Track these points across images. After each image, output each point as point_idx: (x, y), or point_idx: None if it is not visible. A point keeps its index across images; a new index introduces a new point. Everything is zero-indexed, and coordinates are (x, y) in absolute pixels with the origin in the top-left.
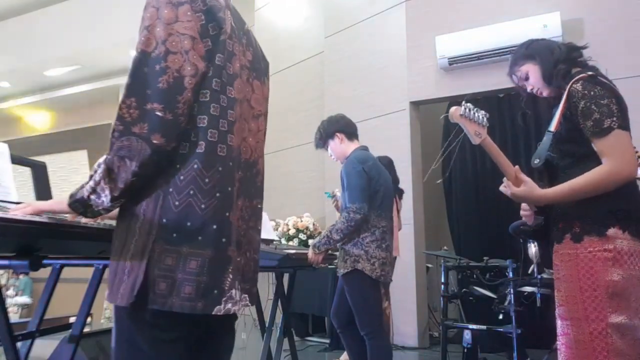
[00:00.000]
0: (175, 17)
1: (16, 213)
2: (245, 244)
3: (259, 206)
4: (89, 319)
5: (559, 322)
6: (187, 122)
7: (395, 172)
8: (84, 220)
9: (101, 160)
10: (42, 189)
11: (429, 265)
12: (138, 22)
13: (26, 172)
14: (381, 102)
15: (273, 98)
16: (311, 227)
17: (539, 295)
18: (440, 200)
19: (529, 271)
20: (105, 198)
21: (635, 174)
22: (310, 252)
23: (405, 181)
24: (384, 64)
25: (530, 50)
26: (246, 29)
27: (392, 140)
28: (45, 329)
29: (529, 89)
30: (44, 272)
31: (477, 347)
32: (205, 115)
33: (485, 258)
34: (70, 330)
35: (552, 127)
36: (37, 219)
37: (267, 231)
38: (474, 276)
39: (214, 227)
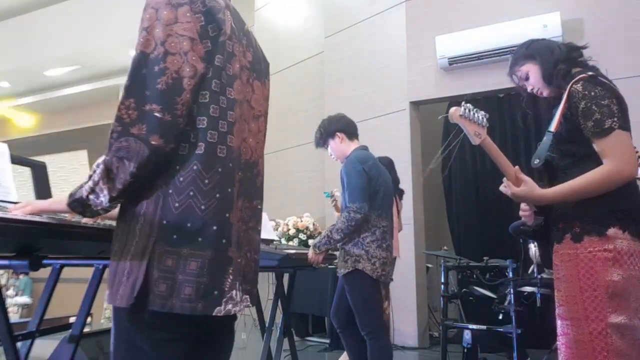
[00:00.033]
0: (174, 18)
1: (16, 212)
2: (246, 245)
3: (259, 207)
4: (89, 319)
5: (559, 322)
6: (186, 123)
7: (395, 173)
8: (84, 220)
9: (100, 160)
10: (42, 189)
11: (429, 265)
12: (138, 23)
13: (26, 172)
14: (381, 102)
15: (273, 98)
16: (311, 227)
17: (539, 295)
18: (440, 200)
19: (529, 271)
20: (103, 198)
21: (636, 174)
22: (310, 252)
23: (405, 181)
24: (384, 64)
25: (531, 50)
26: (246, 30)
27: (392, 140)
28: (45, 329)
29: (529, 89)
30: (44, 272)
31: (477, 347)
32: (204, 116)
33: (485, 258)
34: (70, 330)
35: (552, 127)
36: (37, 219)
37: (267, 231)
38: (474, 276)
39: (214, 228)
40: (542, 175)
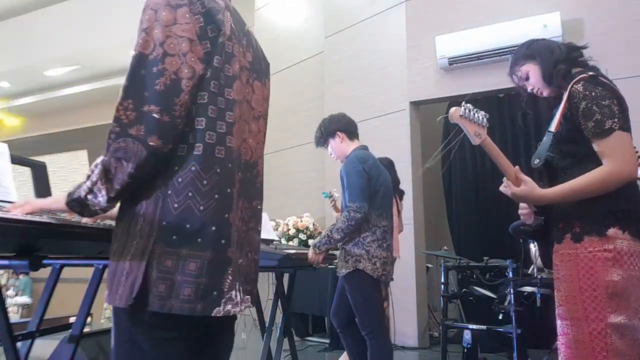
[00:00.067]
0: (173, 19)
1: (15, 212)
2: (247, 245)
3: (259, 207)
4: (89, 319)
5: (558, 322)
6: (185, 124)
7: (395, 174)
8: (84, 220)
9: (98, 160)
10: (42, 189)
11: (429, 265)
12: (138, 23)
13: (26, 172)
14: (381, 102)
15: (273, 98)
16: (311, 227)
17: (539, 295)
18: (440, 200)
19: (529, 271)
20: (101, 198)
21: (636, 174)
22: (310, 252)
23: (405, 181)
24: (384, 64)
25: (531, 50)
26: (246, 30)
27: (392, 140)
28: (45, 329)
29: (529, 89)
30: (44, 272)
31: (477, 347)
32: (203, 117)
33: (485, 258)
34: (70, 330)
35: (553, 127)
36: (37, 219)
37: (267, 231)
38: (474, 276)
39: (213, 228)
40: (542, 175)
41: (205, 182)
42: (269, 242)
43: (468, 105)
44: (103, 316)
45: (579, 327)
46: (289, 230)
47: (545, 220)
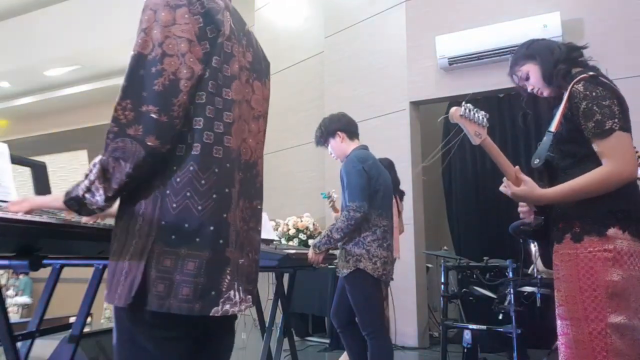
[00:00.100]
0: (172, 19)
1: (14, 208)
2: (247, 245)
3: (259, 207)
4: (89, 319)
5: (558, 322)
6: (183, 124)
7: (395, 174)
8: (84, 220)
9: (96, 160)
10: (42, 189)
11: (429, 265)
12: (137, 23)
13: (26, 172)
14: (381, 102)
15: (273, 98)
16: (311, 227)
17: (539, 295)
18: (440, 200)
19: (529, 271)
20: (99, 197)
21: (636, 175)
22: (310, 252)
23: (405, 181)
24: (384, 64)
25: (531, 50)
26: (247, 30)
27: (392, 140)
28: (45, 329)
29: (529, 89)
30: (44, 272)
31: (477, 347)
32: (201, 117)
33: (485, 258)
34: (70, 330)
35: (553, 127)
36: (37, 219)
37: (267, 231)
38: (474, 276)
39: (211, 228)
40: (542, 175)
41: (203, 182)
42: (269, 242)
43: (468, 105)
44: (103, 316)
45: (579, 327)
46: (289, 230)
47: (545, 220)
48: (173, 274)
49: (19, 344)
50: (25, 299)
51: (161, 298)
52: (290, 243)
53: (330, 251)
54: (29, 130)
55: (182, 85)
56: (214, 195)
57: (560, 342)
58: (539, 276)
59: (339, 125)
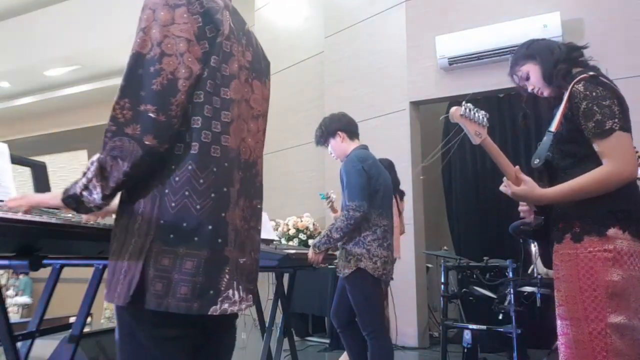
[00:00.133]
0: (171, 19)
1: (12, 204)
2: (249, 245)
3: (259, 206)
4: (89, 319)
5: (558, 322)
6: (181, 123)
7: (395, 174)
8: (84, 219)
9: (94, 158)
10: (42, 189)
11: (429, 265)
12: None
13: (26, 172)
14: (381, 102)
15: (273, 98)
16: (311, 227)
17: (539, 295)
18: (440, 200)
19: (529, 271)
20: (96, 196)
21: (636, 175)
22: (310, 252)
23: (405, 181)
24: (384, 64)
25: (531, 50)
26: (246, 29)
27: (392, 140)
28: (45, 329)
29: (529, 89)
30: (44, 272)
31: (477, 347)
32: (199, 116)
33: (485, 258)
34: (70, 330)
35: (553, 127)
36: (37, 219)
37: (267, 231)
38: (474, 276)
39: (210, 227)
40: (542, 175)
41: (201, 181)
42: (269, 242)
43: (468, 104)
44: (103, 316)
45: (578, 327)
46: (289, 230)
47: (545, 220)
48: (171, 273)
49: (19, 344)
50: (25, 299)
51: (159, 297)
52: (290, 243)
53: (330, 251)
54: (29, 130)
55: (180, 84)
56: (213, 195)
57: (560, 342)
58: (539, 276)
59: (339, 125)
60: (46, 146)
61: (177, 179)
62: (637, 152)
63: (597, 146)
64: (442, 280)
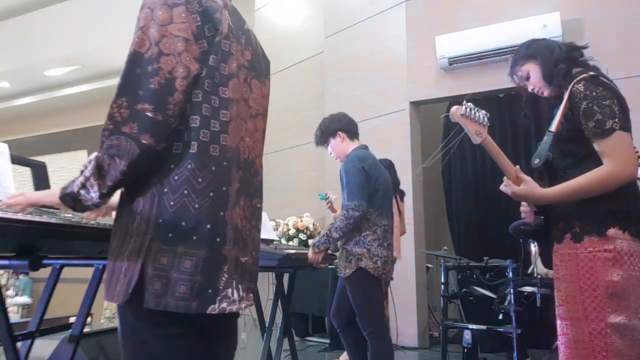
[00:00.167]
0: (169, 18)
1: (10, 202)
2: (251, 244)
3: (259, 206)
4: (89, 319)
5: (558, 322)
6: (180, 122)
7: (396, 174)
8: (84, 216)
9: (92, 156)
10: (42, 189)
11: (429, 265)
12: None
13: (26, 172)
14: (381, 102)
15: (273, 98)
16: (311, 227)
17: (539, 295)
18: (440, 200)
19: (529, 271)
20: (94, 194)
21: (636, 174)
22: (310, 252)
23: (405, 181)
24: (384, 64)
25: (531, 50)
26: (245, 29)
27: (392, 140)
28: (45, 329)
29: (530, 89)
30: (44, 272)
31: (477, 347)
32: (197, 115)
33: (485, 258)
34: (70, 330)
35: (553, 127)
36: (37, 219)
37: (267, 231)
38: (474, 276)
39: (208, 226)
40: (542, 175)
41: (200, 180)
42: (269, 242)
43: (469, 104)
44: (103, 316)
45: (578, 327)
46: (289, 230)
47: (545, 220)
48: (170, 272)
49: (19, 344)
50: (25, 299)
51: (158, 296)
52: (290, 243)
53: (330, 251)
54: (29, 130)
55: (177, 84)
56: (211, 194)
57: (560, 342)
58: (539, 276)
59: (339, 125)
60: (46, 146)
61: (176, 177)
62: (637, 152)
63: (597, 146)
64: (442, 280)
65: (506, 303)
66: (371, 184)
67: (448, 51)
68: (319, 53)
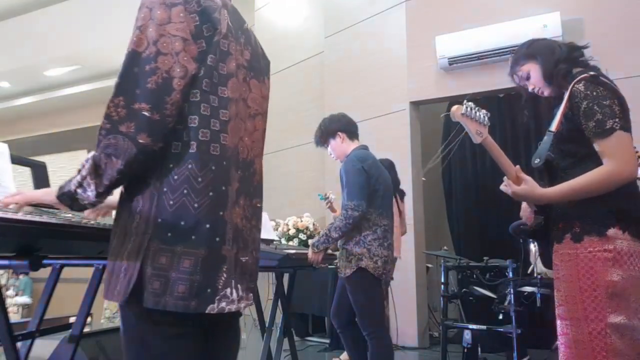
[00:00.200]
0: (168, 18)
1: (7, 200)
2: (251, 243)
3: (259, 205)
4: (89, 319)
5: (558, 322)
6: (178, 122)
7: (396, 174)
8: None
9: (89, 155)
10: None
11: (429, 265)
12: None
13: (26, 172)
14: (381, 102)
15: (273, 98)
16: (311, 227)
17: (539, 295)
18: (440, 200)
19: (529, 271)
20: (90, 193)
21: (636, 174)
22: (309, 252)
23: (405, 181)
24: (384, 64)
25: (532, 50)
26: (245, 28)
27: (392, 140)
28: (45, 329)
29: (530, 89)
30: (44, 272)
31: (477, 347)
32: (195, 115)
33: (485, 258)
34: (70, 330)
35: (553, 127)
36: (37, 219)
37: (267, 231)
38: (474, 276)
39: (207, 226)
40: (543, 175)
41: (200, 179)
42: (269, 242)
43: (470, 103)
44: (103, 316)
45: (578, 327)
46: (289, 230)
47: (545, 220)
48: (169, 272)
49: (19, 344)
50: (25, 299)
51: (157, 295)
52: (290, 243)
53: (330, 251)
54: (29, 130)
55: (175, 83)
56: (211, 193)
57: (560, 342)
58: (539, 276)
59: (339, 126)
60: (46, 146)
61: (175, 177)
62: (637, 152)
63: (597, 146)
64: (442, 280)
65: (506, 303)
66: (371, 184)
67: (448, 51)
68: (319, 53)
